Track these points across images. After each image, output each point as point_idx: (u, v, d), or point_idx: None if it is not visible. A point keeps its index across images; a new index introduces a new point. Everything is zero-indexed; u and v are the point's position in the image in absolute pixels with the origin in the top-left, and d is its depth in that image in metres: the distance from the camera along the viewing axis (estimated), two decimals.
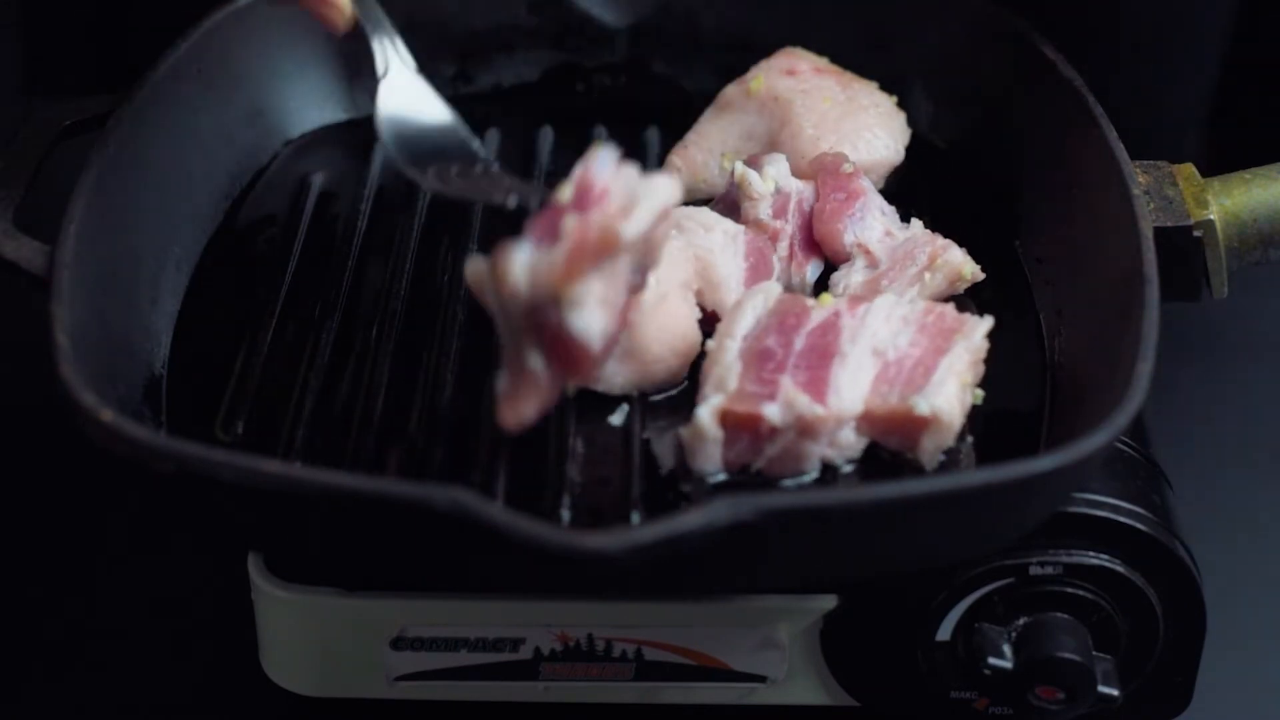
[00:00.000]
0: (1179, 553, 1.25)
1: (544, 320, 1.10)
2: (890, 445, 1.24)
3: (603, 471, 1.23)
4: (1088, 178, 1.37)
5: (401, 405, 1.29)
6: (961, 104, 1.56)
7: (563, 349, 1.11)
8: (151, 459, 1.10)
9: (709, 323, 1.31)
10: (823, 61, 1.52)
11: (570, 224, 1.09)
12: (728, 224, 1.34)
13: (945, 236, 1.38)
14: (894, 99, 1.51)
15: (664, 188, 1.14)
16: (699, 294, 1.31)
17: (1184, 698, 1.30)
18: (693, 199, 1.44)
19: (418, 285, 1.40)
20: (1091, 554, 1.24)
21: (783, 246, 1.38)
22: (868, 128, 1.47)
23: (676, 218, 1.34)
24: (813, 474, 1.23)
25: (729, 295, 1.32)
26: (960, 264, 1.35)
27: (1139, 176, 1.34)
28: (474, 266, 1.18)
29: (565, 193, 1.12)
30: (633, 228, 1.10)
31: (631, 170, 1.16)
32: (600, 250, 1.09)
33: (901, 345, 1.25)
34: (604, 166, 1.13)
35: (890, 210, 1.42)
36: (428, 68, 1.55)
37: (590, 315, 1.10)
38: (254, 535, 1.20)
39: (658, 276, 1.25)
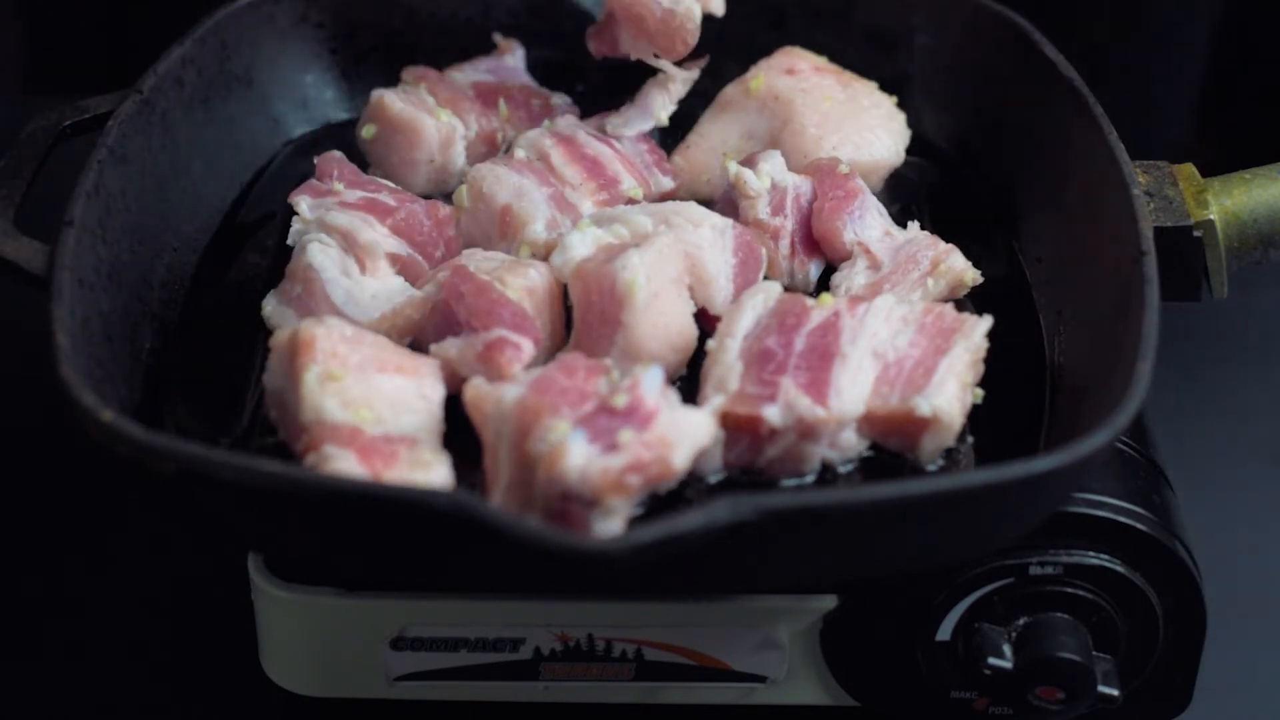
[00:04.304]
0: (1179, 553, 1.25)
1: (568, 506, 1.13)
2: (890, 446, 1.24)
3: None
4: (1088, 178, 1.37)
5: None
6: (962, 104, 1.56)
7: (565, 522, 1.13)
8: (151, 459, 1.10)
9: (699, 318, 1.31)
10: (822, 60, 1.52)
11: (627, 438, 1.13)
12: (715, 218, 1.34)
13: (944, 236, 1.38)
14: (894, 99, 1.51)
15: (704, 428, 1.18)
16: (689, 289, 1.31)
17: (1184, 698, 1.31)
18: (697, 200, 1.43)
19: None
20: (1091, 554, 1.24)
21: (784, 244, 1.38)
22: (869, 128, 1.47)
23: (665, 213, 1.34)
24: (813, 474, 1.23)
25: (719, 291, 1.32)
26: (963, 270, 1.35)
27: (1139, 176, 1.34)
28: (475, 391, 1.19)
29: (620, 400, 1.15)
30: (681, 461, 1.15)
31: (674, 396, 1.19)
32: (655, 475, 1.14)
33: (901, 346, 1.25)
34: (654, 387, 1.17)
35: (885, 211, 1.42)
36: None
37: (614, 525, 1.12)
38: (254, 535, 1.20)
39: (649, 274, 1.25)
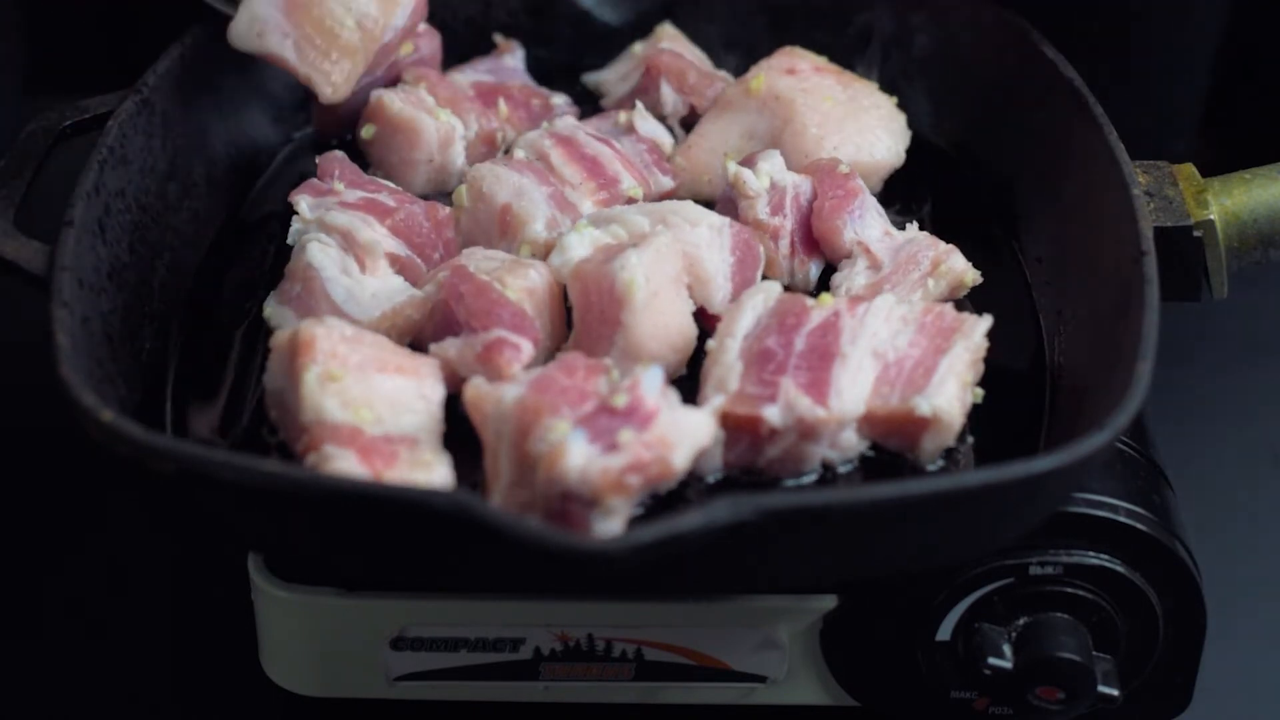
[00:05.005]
0: (1179, 553, 1.25)
1: (568, 506, 1.13)
2: (891, 446, 1.24)
3: None
4: (1088, 178, 1.37)
5: None
6: (961, 104, 1.56)
7: (565, 522, 1.13)
8: (151, 459, 1.10)
9: (698, 317, 1.31)
10: (822, 60, 1.52)
11: (628, 438, 1.13)
12: (712, 217, 1.34)
13: (944, 236, 1.38)
14: (894, 99, 1.51)
15: (704, 428, 1.17)
16: (688, 289, 1.31)
17: (1184, 698, 1.31)
18: (698, 200, 1.43)
19: None
20: (1091, 554, 1.24)
21: (784, 244, 1.38)
22: (870, 129, 1.47)
23: (662, 213, 1.34)
24: (813, 474, 1.23)
25: (717, 290, 1.32)
26: (963, 271, 1.35)
27: (1139, 176, 1.34)
28: (475, 391, 1.19)
29: (620, 400, 1.15)
30: (681, 461, 1.15)
31: (674, 396, 1.19)
32: (655, 475, 1.14)
33: (901, 345, 1.25)
34: (654, 387, 1.17)
35: (884, 212, 1.42)
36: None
37: (614, 525, 1.12)
38: (254, 535, 1.20)
39: (647, 274, 1.25)
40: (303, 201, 1.37)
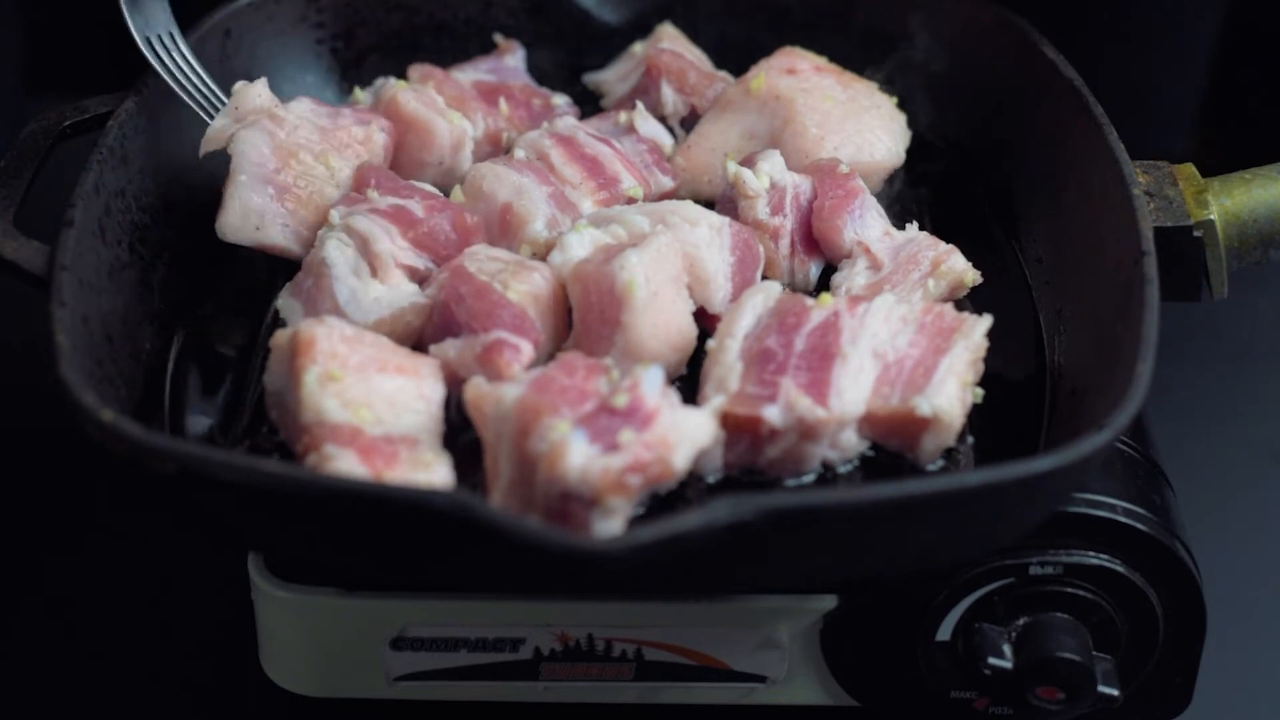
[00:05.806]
0: (1179, 553, 1.25)
1: (568, 506, 1.13)
2: (891, 446, 1.24)
3: None
4: (1088, 178, 1.37)
5: None
6: (961, 104, 1.56)
7: (565, 522, 1.13)
8: (151, 459, 1.10)
9: (698, 317, 1.31)
10: (822, 60, 1.52)
11: (628, 438, 1.13)
12: (712, 217, 1.34)
13: (944, 236, 1.39)
14: (894, 99, 1.51)
15: (704, 429, 1.18)
16: (687, 289, 1.31)
17: (1184, 698, 1.31)
18: (698, 200, 1.43)
19: None
20: (1091, 554, 1.24)
21: (784, 244, 1.38)
22: (870, 129, 1.47)
23: (661, 213, 1.34)
24: (813, 474, 1.23)
25: (717, 290, 1.32)
26: (963, 271, 1.35)
27: (1139, 176, 1.34)
28: (475, 391, 1.19)
29: (621, 400, 1.15)
30: (681, 462, 1.15)
31: (675, 396, 1.19)
32: (655, 476, 1.14)
33: (901, 345, 1.25)
34: (654, 387, 1.17)
35: (884, 212, 1.42)
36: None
37: (614, 525, 1.12)
38: (254, 535, 1.20)
39: (648, 274, 1.25)
40: (335, 213, 1.35)
